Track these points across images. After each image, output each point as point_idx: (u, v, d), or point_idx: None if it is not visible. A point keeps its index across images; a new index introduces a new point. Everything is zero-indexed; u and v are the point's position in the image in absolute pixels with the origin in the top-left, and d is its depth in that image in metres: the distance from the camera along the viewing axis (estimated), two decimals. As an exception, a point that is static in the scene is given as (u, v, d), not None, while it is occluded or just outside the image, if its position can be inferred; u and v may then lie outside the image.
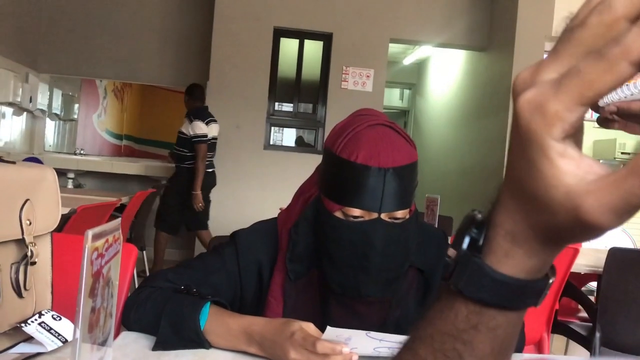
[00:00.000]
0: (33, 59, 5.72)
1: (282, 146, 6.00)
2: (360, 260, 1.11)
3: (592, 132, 5.59)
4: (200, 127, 4.80)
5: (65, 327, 1.01)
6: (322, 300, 1.19)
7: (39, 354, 0.99)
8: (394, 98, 9.77)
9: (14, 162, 1.05)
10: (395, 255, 1.13)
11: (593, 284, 3.23)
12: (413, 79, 9.23)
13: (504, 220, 0.37)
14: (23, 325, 0.98)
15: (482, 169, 5.72)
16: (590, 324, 2.68)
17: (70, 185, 5.67)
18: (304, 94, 5.82)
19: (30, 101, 5.43)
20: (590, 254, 3.02)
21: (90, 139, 8.54)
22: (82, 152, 7.00)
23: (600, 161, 0.36)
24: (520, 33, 5.14)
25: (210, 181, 5.04)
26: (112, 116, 9.33)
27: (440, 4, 5.80)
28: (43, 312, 1.02)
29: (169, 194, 4.98)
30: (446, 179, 6.90)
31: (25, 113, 5.65)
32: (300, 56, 5.77)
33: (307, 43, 5.77)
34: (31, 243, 1.01)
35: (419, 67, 9.04)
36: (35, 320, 0.99)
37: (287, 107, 5.83)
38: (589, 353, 2.61)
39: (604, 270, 2.56)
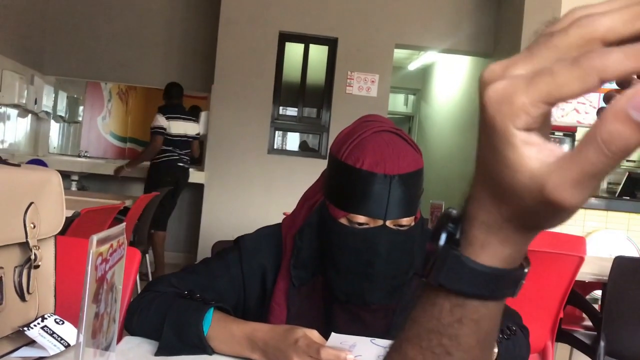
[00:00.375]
0: (38, 61, 5.73)
1: (286, 150, 6.00)
2: (365, 267, 1.10)
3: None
4: (157, 120, 5.11)
5: (67, 331, 1.00)
6: (326, 306, 1.19)
7: (41, 358, 0.98)
8: (398, 103, 9.77)
9: (18, 165, 1.04)
10: (400, 262, 1.12)
11: (597, 293, 3.22)
12: (418, 85, 9.22)
13: (478, 211, 0.38)
14: (25, 329, 0.97)
15: (487, 175, 5.69)
16: (595, 333, 2.66)
17: (74, 187, 5.67)
18: (308, 99, 5.82)
19: (35, 103, 5.44)
20: (595, 263, 3.01)
21: (95, 141, 8.54)
22: (86, 154, 7.00)
23: None
24: (526, 39, 5.13)
25: (175, 176, 5.16)
26: (116, 119, 9.33)
27: (445, 9, 5.80)
28: (46, 316, 1.01)
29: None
30: (450, 185, 6.89)
31: (30, 115, 5.66)
32: (305, 61, 5.77)
33: (312, 48, 5.77)
34: (35, 246, 1.01)
35: (424, 73, 9.04)
36: (38, 324, 0.99)
37: (292, 111, 5.83)
38: (593, 362, 2.60)
39: (609, 279, 2.54)
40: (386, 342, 0.99)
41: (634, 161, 6.36)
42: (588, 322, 2.87)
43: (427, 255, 0.41)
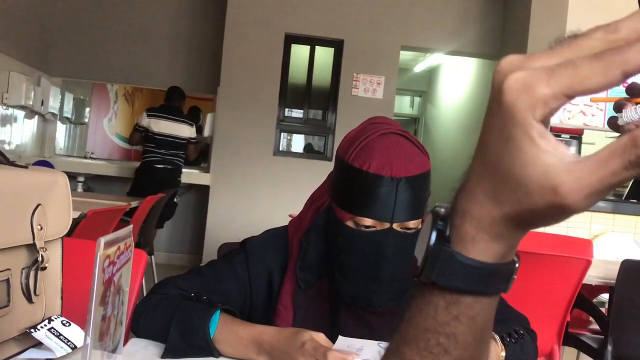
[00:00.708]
0: (45, 62, 5.76)
1: (291, 152, 6.00)
2: (372, 270, 1.10)
3: (604, 142, 5.54)
4: (140, 118, 5.34)
5: (74, 333, 1.00)
6: (332, 309, 1.18)
7: (47, 360, 0.98)
8: (404, 105, 9.76)
9: (26, 167, 1.04)
10: (406, 265, 1.12)
11: (604, 296, 3.20)
12: (424, 87, 9.21)
13: (471, 205, 0.38)
14: (32, 330, 0.97)
15: (493, 177, 5.67)
16: (602, 337, 2.64)
17: (80, 188, 5.69)
18: (314, 101, 5.82)
19: (42, 104, 5.46)
20: (602, 266, 2.99)
21: (101, 142, 8.57)
22: (92, 155, 7.02)
23: None
24: (533, 41, 5.12)
25: (154, 178, 5.17)
26: (122, 120, 9.35)
27: (451, 11, 5.79)
28: (52, 318, 1.01)
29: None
30: (456, 188, 6.86)
31: (36, 116, 5.68)
32: (311, 62, 5.77)
33: (318, 49, 5.77)
34: (42, 248, 1.01)
35: (430, 75, 9.03)
36: (45, 325, 0.99)
37: (297, 113, 5.83)
38: (600, 366, 2.58)
39: (616, 282, 2.53)
40: (393, 346, 0.98)
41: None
42: (595, 326, 2.85)
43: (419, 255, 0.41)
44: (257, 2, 5.54)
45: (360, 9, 5.63)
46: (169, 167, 5.30)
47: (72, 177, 5.59)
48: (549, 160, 0.32)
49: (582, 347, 2.77)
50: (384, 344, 0.97)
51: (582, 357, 3.06)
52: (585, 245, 2.64)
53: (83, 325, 0.99)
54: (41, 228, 1.01)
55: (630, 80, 0.35)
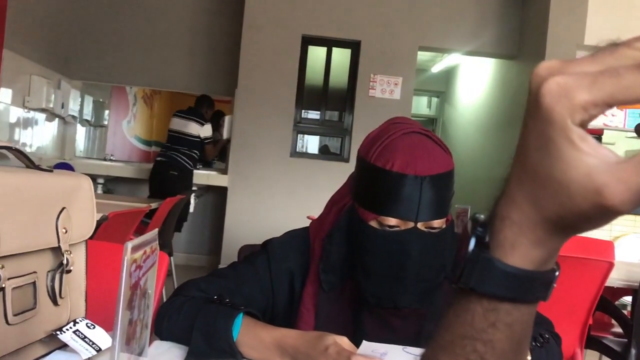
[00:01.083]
0: (65, 66, 5.82)
1: (308, 154, 6.00)
2: (396, 270, 1.09)
3: (624, 142, 5.48)
4: None
5: (99, 335, 1.01)
6: (355, 312, 1.18)
7: (73, 362, 0.99)
8: (421, 106, 9.72)
9: (51, 170, 1.05)
10: (431, 265, 1.11)
11: (627, 299, 3.15)
12: (442, 87, 9.16)
13: (511, 210, 0.38)
14: (58, 332, 0.98)
15: (511, 178, 5.62)
16: (625, 340, 2.61)
17: (99, 190, 5.74)
18: (331, 102, 5.82)
19: (62, 107, 5.52)
20: (624, 268, 2.95)
21: (120, 145, 8.64)
22: (111, 157, 7.08)
23: None
24: (552, 41, 5.07)
25: (156, 172, 5.39)
26: (141, 122, 9.44)
27: (469, 11, 5.75)
28: (77, 320, 1.02)
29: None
30: (475, 189, 6.81)
31: (57, 119, 5.74)
32: (328, 64, 5.77)
33: (335, 51, 5.77)
34: (67, 251, 1.01)
35: (448, 75, 8.98)
36: (70, 328, 0.99)
37: (314, 114, 5.83)
38: (623, 369, 2.54)
39: (639, 285, 2.49)
40: (418, 351, 0.97)
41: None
42: (618, 329, 2.82)
43: (457, 261, 0.40)
44: (274, 5, 5.55)
45: (377, 10, 5.62)
46: (164, 159, 5.42)
47: (92, 179, 5.62)
48: (591, 162, 0.32)
49: (605, 350, 2.73)
50: (409, 349, 0.97)
51: (604, 360, 3.02)
52: (606, 247, 2.61)
53: (106, 327, 0.99)
54: (66, 231, 1.02)
55: None
